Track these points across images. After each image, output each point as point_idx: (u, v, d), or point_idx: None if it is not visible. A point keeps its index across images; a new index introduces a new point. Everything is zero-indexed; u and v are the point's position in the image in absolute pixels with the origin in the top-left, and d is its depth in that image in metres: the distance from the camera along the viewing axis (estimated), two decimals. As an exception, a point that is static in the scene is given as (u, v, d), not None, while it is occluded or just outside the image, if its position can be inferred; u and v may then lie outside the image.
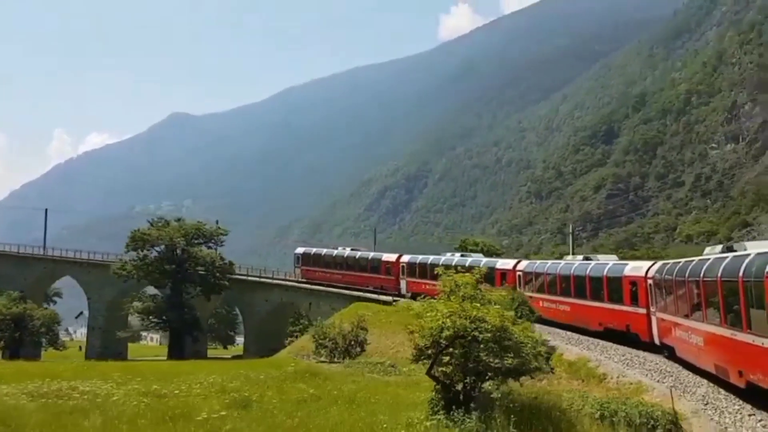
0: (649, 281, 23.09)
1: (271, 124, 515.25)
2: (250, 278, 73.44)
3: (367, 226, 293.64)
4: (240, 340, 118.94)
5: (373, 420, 12.25)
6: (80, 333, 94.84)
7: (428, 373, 12.76)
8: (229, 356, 72.62)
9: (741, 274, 13.96)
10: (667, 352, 21.18)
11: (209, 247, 66.34)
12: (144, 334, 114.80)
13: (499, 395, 13.21)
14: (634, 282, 24.16)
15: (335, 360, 28.13)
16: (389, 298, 47.00)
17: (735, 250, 16.01)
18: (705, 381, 17.03)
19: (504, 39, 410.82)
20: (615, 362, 20.95)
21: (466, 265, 35.56)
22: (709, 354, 16.60)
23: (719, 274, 15.37)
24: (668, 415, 13.45)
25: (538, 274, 33.04)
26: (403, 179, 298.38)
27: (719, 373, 15.93)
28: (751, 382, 13.71)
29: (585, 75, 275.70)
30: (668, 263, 21.75)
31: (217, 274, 63.38)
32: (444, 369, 12.16)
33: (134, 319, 73.87)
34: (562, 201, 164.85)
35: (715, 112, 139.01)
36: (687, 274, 18.19)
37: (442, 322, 11.92)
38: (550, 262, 35.30)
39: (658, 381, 18.01)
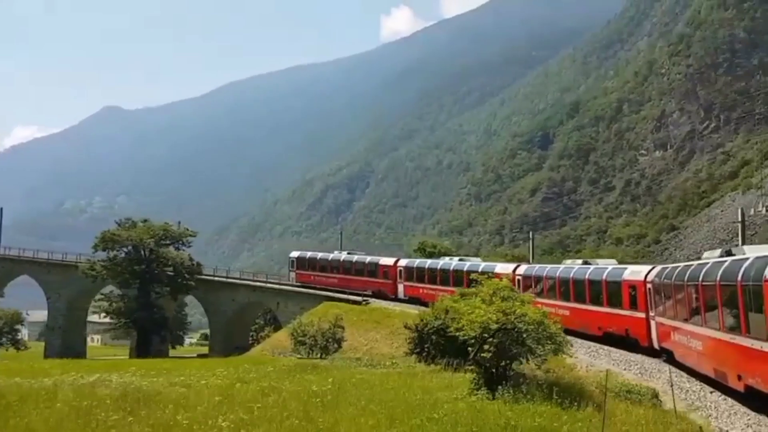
0: (648, 285, 23.13)
1: (208, 120, 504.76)
2: (216, 278, 74.86)
3: (309, 225, 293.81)
4: (188, 340, 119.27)
5: (421, 398, 13.64)
6: (23, 333, 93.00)
7: (473, 357, 15.06)
8: (194, 355, 72.50)
9: (739, 278, 13.93)
10: (666, 356, 21.21)
11: (177, 248, 67.65)
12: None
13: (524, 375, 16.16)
14: (633, 286, 24.15)
15: (313, 356, 29.10)
16: (359, 299, 48.69)
17: (734, 254, 16.09)
18: (668, 367, 19.14)
19: (444, 42, 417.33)
20: (583, 354, 23.13)
21: (465, 269, 36.33)
22: (708, 358, 16.60)
23: (718, 278, 15.35)
24: (647, 389, 15.99)
25: (537, 279, 32.74)
26: (345, 179, 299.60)
27: (718, 377, 15.92)
28: (750, 385, 13.69)
29: (522, 81, 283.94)
30: (667, 267, 21.94)
31: (186, 275, 64.98)
32: (485, 354, 14.42)
33: (92, 319, 73.99)
34: (501, 203, 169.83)
35: (644, 120, 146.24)
36: (686, 279, 18.17)
37: (488, 318, 14.35)
38: (549, 266, 35.01)
39: (624, 369, 20.32)
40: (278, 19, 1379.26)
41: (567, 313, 28.35)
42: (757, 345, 13.12)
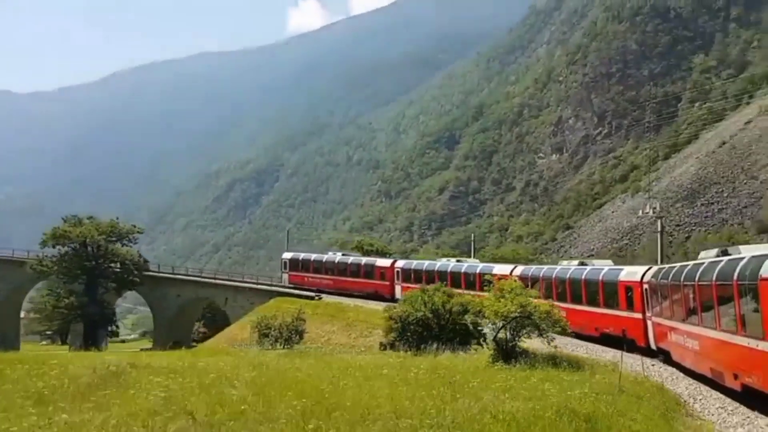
0: (645, 286, 23.21)
1: (106, 106, 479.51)
2: (162, 275, 75.55)
3: (214, 219, 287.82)
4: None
5: (452, 370, 15.73)
6: None
7: (494, 339, 19.44)
8: (138, 349, 71.86)
9: (735, 277, 13.98)
10: (663, 356, 21.35)
11: (124, 245, 69.31)
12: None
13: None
14: (629, 287, 24.24)
15: (277, 348, 30.40)
16: (312, 294, 50.05)
17: (730, 254, 16.15)
18: (617, 351, 21.73)
19: (352, 39, 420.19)
20: (583, 352, 24.94)
21: (462, 270, 37.19)
22: (705, 358, 16.62)
23: (714, 278, 15.39)
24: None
25: (533, 280, 32.36)
26: (253, 172, 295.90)
27: (715, 376, 15.93)
28: (747, 384, 13.73)
29: (429, 82, 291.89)
30: (664, 268, 22.09)
31: (135, 272, 66.81)
32: (502, 336, 19.31)
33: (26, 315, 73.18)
34: (410, 201, 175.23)
35: (543, 125, 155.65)
36: (682, 279, 18.26)
37: (509, 309, 18.60)
38: (545, 267, 35.27)
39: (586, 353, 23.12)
40: (182, 4, 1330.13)
41: (563, 314, 29.27)
42: (753, 344, 13.15)
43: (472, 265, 39.84)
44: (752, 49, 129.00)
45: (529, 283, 30.95)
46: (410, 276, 45.34)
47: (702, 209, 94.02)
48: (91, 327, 65.47)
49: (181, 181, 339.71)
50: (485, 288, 21.89)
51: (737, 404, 14.58)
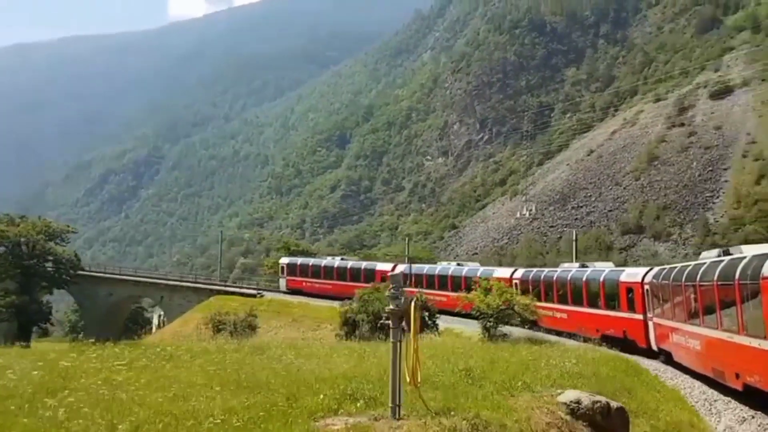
0: (646, 287, 23.14)
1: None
2: (95, 273, 76.09)
3: (87, 213, 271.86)
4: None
5: (451, 347, 17.11)
6: None
7: (484, 325, 24.48)
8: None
9: (737, 277, 13.95)
10: (664, 357, 21.27)
11: (57, 244, 69.59)
12: None
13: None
14: (630, 288, 24.19)
15: (233, 342, 31.72)
16: (253, 292, 51.64)
17: (731, 254, 16.04)
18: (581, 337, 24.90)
19: (238, 29, 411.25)
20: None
21: (463, 273, 38.25)
22: (706, 358, 16.56)
23: (715, 278, 15.35)
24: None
25: (534, 282, 32.57)
26: (131, 164, 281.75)
27: (716, 376, 15.84)
28: (748, 384, 13.70)
29: (318, 78, 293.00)
30: (665, 268, 22.11)
31: (71, 270, 67.62)
32: (490, 322, 24.38)
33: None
34: (302, 198, 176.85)
35: (430, 129, 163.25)
36: (683, 279, 18.18)
37: (497, 303, 23.94)
38: (546, 269, 35.55)
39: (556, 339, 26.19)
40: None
41: (565, 315, 28.72)
42: (755, 343, 13.13)
43: (472, 268, 40.38)
44: (618, 64, 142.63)
45: (530, 286, 32.41)
46: (411, 280, 44.66)
47: (572, 212, 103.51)
48: (27, 325, 65.73)
49: (51, 171, 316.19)
50: (472, 288, 26.71)
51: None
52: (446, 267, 43.48)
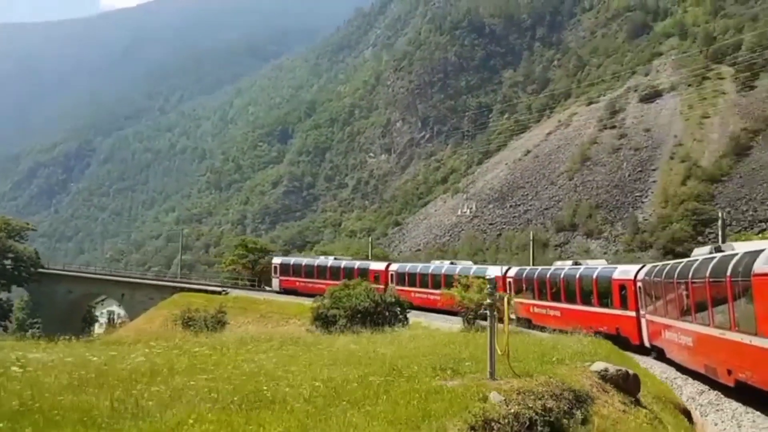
0: (639, 284, 23.22)
1: None
2: (53, 271, 75.44)
3: (14, 207, 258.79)
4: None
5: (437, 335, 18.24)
6: None
7: (465, 317, 26.65)
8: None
9: (728, 273, 14.02)
10: (657, 353, 21.37)
11: (16, 241, 69.50)
12: None
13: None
14: (623, 285, 24.26)
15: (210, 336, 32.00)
16: (218, 289, 51.55)
17: (723, 251, 16.15)
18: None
19: (175, 20, 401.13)
20: None
21: (456, 272, 37.56)
22: (699, 354, 16.68)
23: (707, 275, 15.44)
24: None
25: (528, 280, 32.78)
26: (61, 157, 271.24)
27: (708, 372, 15.94)
28: (740, 380, 13.80)
29: (258, 72, 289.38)
30: (657, 265, 22.27)
31: (31, 268, 67.47)
32: (470, 315, 26.23)
33: None
34: (242, 193, 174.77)
35: (373, 126, 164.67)
36: (676, 276, 18.27)
37: (478, 298, 25.08)
38: (540, 268, 35.74)
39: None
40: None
41: (558, 313, 28.76)
42: (746, 339, 13.21)
43: (465, 267, 40.49)
44: (553, 67, 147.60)
45: (524, 284, 33.07)
46: (404, 279, 45.23)
47: (511, 210, 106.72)
48: None
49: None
50: (457, 286, 28.42)
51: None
52: (439, 266, 43.40)
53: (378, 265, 50.05)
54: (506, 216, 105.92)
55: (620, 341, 22.34)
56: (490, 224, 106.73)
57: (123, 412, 6.55)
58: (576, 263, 30.22)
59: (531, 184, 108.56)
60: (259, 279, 62.27)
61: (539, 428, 7.31)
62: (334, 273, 50.57)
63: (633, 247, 79.51)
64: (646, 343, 22.62)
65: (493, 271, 36.30)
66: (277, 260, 59.41)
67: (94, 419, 6.23)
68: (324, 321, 25.78)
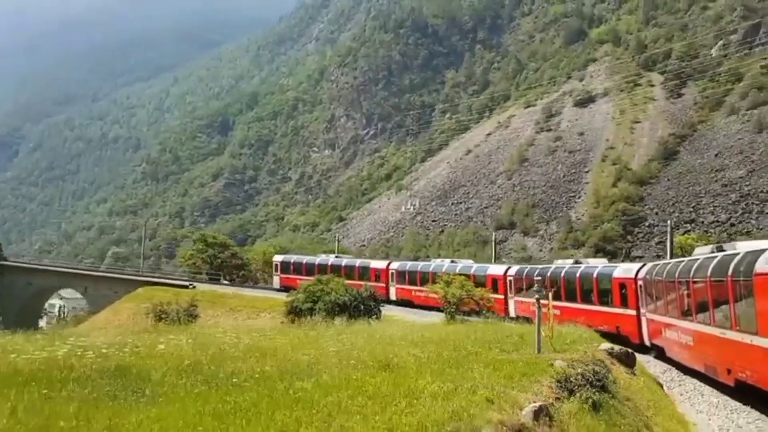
0: (639, 283, 23.19)
1: None
2: (13, 263, 73.88)
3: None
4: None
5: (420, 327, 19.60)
6: None
7: (447, 311, 27.25)
8: None
9: (730, 273, 14.02)
10: (657, 352, 21.40)
11: None
12: None
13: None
14: (623, 284, 24.24)
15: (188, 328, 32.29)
16: (186, 283, 51.19)
17: (724, 250, 16.09)
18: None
19: (104, 4, 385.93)
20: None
21: (457, 271, 37.94)
22: (699, 353, 16.66)
23: (708, 274, 15.46)
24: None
25: (528, 279, 32.56)
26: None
27: (708, 371, 15.97)
28: (740, 379, 13.82)
29: (196, 61, 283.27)
30: (658, 264, 22.37)
31: None
32: (452, 308, 27.23)
33: None
34: (180, 185, 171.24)
35: (317, 121, 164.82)
36: (677, 275, 18.27)
37: (459, 293, 27.22)
38: (540, 266, 35.82)
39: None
40: None
41: (558, 312, 29.06)
42: (747, 339, 13.20)
43: (466, 265, 40.86)
44: (493, 69, 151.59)
45: (524, 283, 32.94)
46: (404, 278, 45.54)
47: (453, 207, 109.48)
48: None
49: None
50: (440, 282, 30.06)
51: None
52: (440, 264, 43.43)
53: (379, 264, 50.65)
54: (448, 213, 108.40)
55: (620, 340, 22.11)
56: (433, 221, 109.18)
57: (286, 373, 8.28)
58: (576, 262, 30.63)
59: (472, 183, 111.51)
60: (223, 273, 63.01)
61: (594, 383, 10.04)
62: (335, 271, 49.70)
63: (566, 245, 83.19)
64: (647, 342, 22.67)
65: (494, 270, 37.74)
66: (278, 258, 59.42)
67: (268, 378, 8.01)
68: (297, 314, 27.18)
